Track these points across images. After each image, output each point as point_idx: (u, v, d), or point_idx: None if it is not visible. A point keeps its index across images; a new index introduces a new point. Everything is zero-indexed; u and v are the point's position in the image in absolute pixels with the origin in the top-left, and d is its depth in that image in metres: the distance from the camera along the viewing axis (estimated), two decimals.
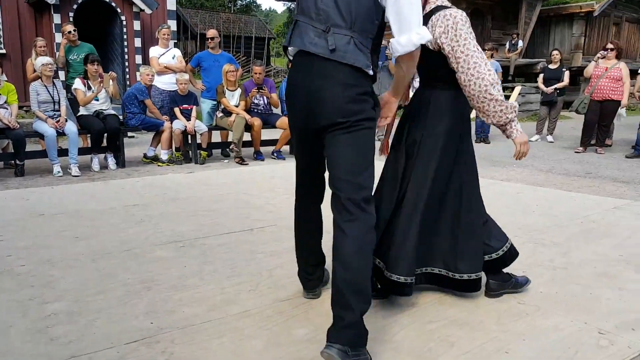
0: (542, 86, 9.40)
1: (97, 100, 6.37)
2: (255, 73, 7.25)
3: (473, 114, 11.31)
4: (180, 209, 4.40)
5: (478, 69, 2.23)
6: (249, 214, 4.24)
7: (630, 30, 19.65)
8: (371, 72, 2.02)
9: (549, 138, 9.47)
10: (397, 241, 2.38)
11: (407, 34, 1.93)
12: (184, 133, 6.77)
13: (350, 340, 1.90)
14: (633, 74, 8.51)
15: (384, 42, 9.27)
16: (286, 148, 7.67)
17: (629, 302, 2.58)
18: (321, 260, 2.59)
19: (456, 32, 2.22)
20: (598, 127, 8.03)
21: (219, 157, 7.38)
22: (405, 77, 2.15)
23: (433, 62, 2.32)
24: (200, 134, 6.90)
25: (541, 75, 9.55)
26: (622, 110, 8.05)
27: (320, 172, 2.30)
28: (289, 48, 2.15)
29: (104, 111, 6.39)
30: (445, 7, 2.29)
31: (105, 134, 6.37)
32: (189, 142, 6.88)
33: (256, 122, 6.93)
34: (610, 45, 7.94)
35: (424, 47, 2.08)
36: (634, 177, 6.04)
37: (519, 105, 14.49)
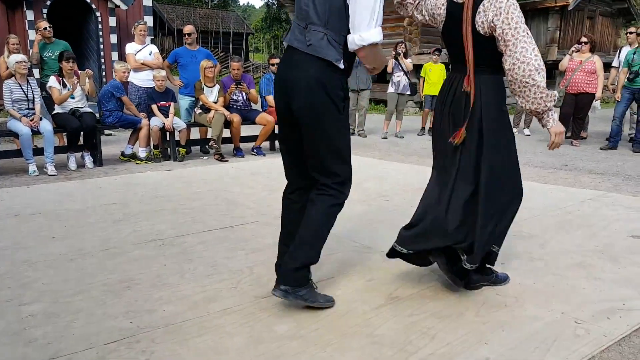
0: None
1: (73, 98, 6.26)
2: (234, 69, 7.20)
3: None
4: (159, 207, 4.36)
5: (524, 53, 2.25)
6: (229, 211, 4.22)
7: (603, 24, 19.99)
8: (341, 66, 2.20)
9: (526, 131, 9.60)
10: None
11: (354, 33, 2.12)
12: (162, 130, 6.70)
13: (290, 282, 2.32)
14: (607, 67, 8.66)
15: None
16: (266, 144, 7.65)
17: (605, 291, 2.64)
18: None
19: (508, 15, 2.24)
20: (573, 119, 8.16)
21: (198, 154, 7.32)
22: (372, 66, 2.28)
23: (481, 47, 2.33)
24: (179, 131, 6.84)
25: None
26: (596, 103, 8.19)
27: (302, 161, 2.42)
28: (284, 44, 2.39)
29: (80, 109, 6.29)
30: None
31: (82, 132, 6.27)
32: (167, 139, 6.82)
33: (235, 118, 6.89)
34: (584, 39, 8.06)
35: (473, 31, 2.28)
36: (609, 169, 6.16)
37: None
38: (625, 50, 8.04)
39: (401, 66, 9.04)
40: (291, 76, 2.25)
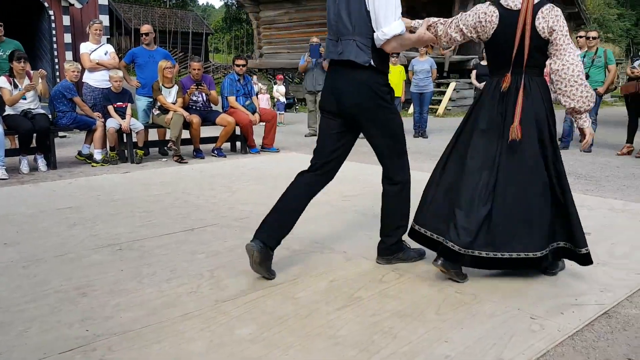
0: (475, 82, 9.73)
1: (25, 99, 6.04)
2: (194, 69, 7.10)
3: (411, 109, 11.54)
4: (116, 210, 4.26)
5: (573, 56, 2.60)
6: (189, 214, 4.15)
7: None
8: (373, 64, 2.62)
9: None
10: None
11: (377, 30, 2.54)
12: (119, 132, 6.54)
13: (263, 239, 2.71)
14: None
15: (317, 40, 9.30)
16: (227, 145, 7.58)
17: (559, 287, 2.72)
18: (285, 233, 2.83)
19: (560, 23, 2.57)
20: None
21: (156, 156, 7.18)
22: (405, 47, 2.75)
23: (535, 49, 2.60)
24: (136, 133, 6.69)
25: (474, 72, 9.88)
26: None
27: (340, 153, 2.92)
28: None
29: (32, 110, 6.07)
30: (547, 1, 2.60)
31: (35, 134, 6.06)
32: (125, 141, 6.66)
33: (195, 119, 6.79)
34: None
35: (523, 34, 2.55)
36: None
37: (455, 100, 14.98)
38: (576, 53, 8.34)
39: None
40: (337, 84, 2.71)
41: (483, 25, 2.68)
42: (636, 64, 7.06)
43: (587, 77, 7.50)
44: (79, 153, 6.61)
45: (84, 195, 4.79)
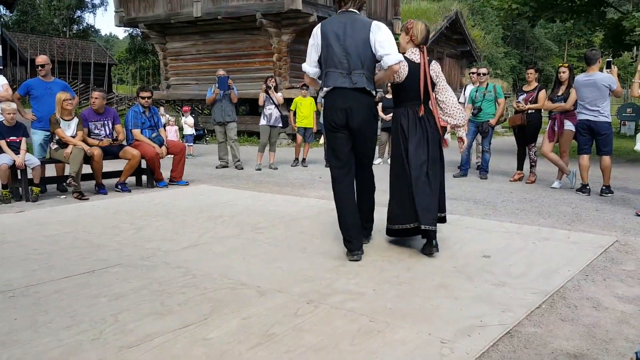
0: (381, 114, 10.13)
1: None
2: (95, 98, 6.81)
3: (322, 140, 11.72)
4: (8, 253, 3.92)
5: (451, 92, 4.06)
6: (90, 254, 3.91)
7: (450, 64, 22.18)
8: (374, 92, 3.80)
9: (389, 161, 10.20)
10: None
11: (385, 58, 3.66)
12: (12, 168, 6.07)
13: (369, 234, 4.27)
14: None
15: (223, 72, 9.31)
16: (132, 179, 7.27)
17: (464, 309, 2.84)
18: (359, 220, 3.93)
19: (440, 73, 4.02)
20: None
21: (54, 193, 6.74)
22: (383, 80, 3.92)
23: (430, 88, 3.91)
24: (32, 169, 6.25)
25: (380, 104, 10.30)
26: (447, 135, 8.97)
27: (351, 154, 3.87)
28: (324, 88, 3.79)
29: None
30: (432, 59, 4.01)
31: None
32: (19, 177, 6.19)
33: (96, 151, 6.47)
34: None
35: (417, 78, 3.88)
36: (461, 194, 6.74)
37: None
38: (469, 88, 8.96)
39: (272, 99, 9.20)
40: (349, 105, 3.69)
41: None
42: (520, 98, 7.70)
43: (480, 110, 8.07)
44: None
45: None
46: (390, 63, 3.62)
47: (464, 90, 9.33)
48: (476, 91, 8.20)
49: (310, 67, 3.87)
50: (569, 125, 6.96)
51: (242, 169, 9.28)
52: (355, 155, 3.86)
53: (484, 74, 8.23)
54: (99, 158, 6.52)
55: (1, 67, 10.97)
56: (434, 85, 3.93)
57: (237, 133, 9.69)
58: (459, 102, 9.22)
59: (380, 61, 3.71)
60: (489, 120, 8.03)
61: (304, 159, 10.01)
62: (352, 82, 3.65)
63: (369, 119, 3.78)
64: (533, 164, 7.79)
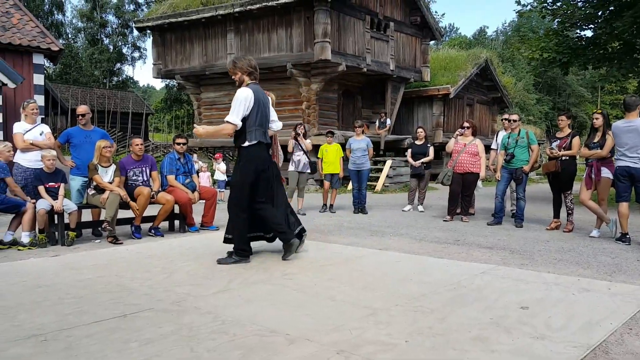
0: (410, 160, 10.14)
1: None
2: (136, 145, 7.04)
3: (350, 186, 11.74)
4: (42, 297, 3.97)
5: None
6: (122, 298, 3.93)
7: (481, 110, 22.17)
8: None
9: (420, 208, 10.12)
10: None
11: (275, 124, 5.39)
12: (50, 213, 6.24)
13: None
14: (487, 148, 9.51)
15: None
16: (164, 224, 7.37)
17: None
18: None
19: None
20: (461, 197, 8.75)
21: (89, 237, 6.87)
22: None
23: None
24: (69, 213, 6.41)
25: (409, 150, 10.32)
26: (479, 182, 8.88)
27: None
28: (252, 140, 5.01)
29: None
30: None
31: None
32: (56, 222, 6.35)
33: (145, 190, 6.62)
34: (466, 124, 8.84)
35: None
36: (496, 243, 6.59)
37: (392, 177, 15.45)
38: (502, 134, 8.90)
39: (301, 146, 9.32)
40: (268, 157, 5.31)
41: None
42: (554, 144, 7.60)
43: (513, 156, 7.98)
44: (1, 242, 6.14)
45: (7, 282, 4.45)
46: (278, 128, 5.51)
47: (496, 137, 9.28)
48: (508, 137, 8.14)
49: (239, 120, 4.94)
50: (606, 173, 6.80)
51: None
52: (275, 191, 5.37)
53: (514, 121, 8.19)
54: (148, 194, 6.69)
55: (44, 117, 11.46)
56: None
57: None
58: (492, 149, 9.32)
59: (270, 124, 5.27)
60: (522, 167, 7.93)
61: (331, 205, 10.01)
62: (267, 139, 5.14)
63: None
64: (570, 212, 7.60)
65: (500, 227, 7.97)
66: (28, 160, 6.58)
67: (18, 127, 6.70)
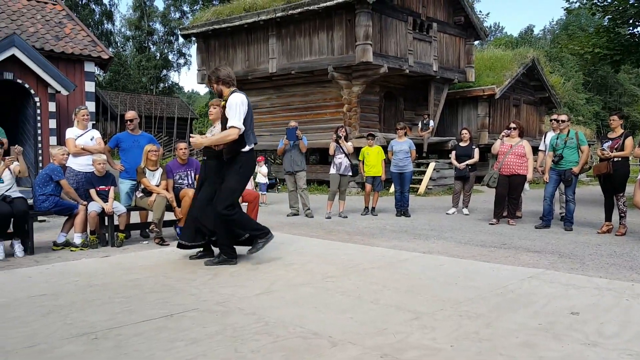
0: (454, 162, 9.97)
1: (2, 182, 5.96)
2: (180, 149, 7.20)
3: (392, 189, 11.66)
4: (93, 296, 4.11)
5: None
6: (168, 299, 4.02)
7: (528, 111, 21.59)
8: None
9: (465, 211, 9.93)
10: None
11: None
12: (101, 215, 6.46)
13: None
14: (535, 150, 9.25)
15: (295, 123, 9.90)
16: None
17: None
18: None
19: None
20: (508, 199, 8.53)
21: (137, 239, 7.06)
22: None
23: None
24: (118, 215, 6.62)
25: (453, 152, 10.15)
26: (526, 185, 8.65)
27: None
28: (251, 145, 5.12)
29: (10, 195, 5.99)
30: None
31: (12, 219, 5.93)
32: (106, 224, 6.56)
33: (190, 192, 6.79)
34: (513, 125, 8.63)
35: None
36: (545, 247, 6.39)
37: (435, 180, 15.24)
38: (550, 135, 8.64)
39: (342, 149, 9.31)
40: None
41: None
42: (605, 145, 7.32)
43: (562, 157, 7.73)
44: (55, 243, 6.41)
45: (60, 282, 4.63)
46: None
47: (544, 138, 9.02)
48: (557, 138, 7.90)
49: (241, 123, 4.96)
50: None
51: (312, 217, 9.35)
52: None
53: (563, 121, 7.94)
54: (193, 194, 6.80)
55: (94, 122, 11.87)
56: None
57: (306, 182, 9.85)
58: (539, 150, 9.05)
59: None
60: (571, 169, 7.67)
61: (373, 208, 9.95)
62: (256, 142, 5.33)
63: None
64: (622, 214, 7.30)
65: (548, 231, 7.74)
66: (79, 164, 6.84)
67: (70, 133, 6.97)
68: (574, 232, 7.60)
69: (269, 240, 5.30)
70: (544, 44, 48.66)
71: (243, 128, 4.99)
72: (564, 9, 13.45)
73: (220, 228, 5.26)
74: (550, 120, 9.13)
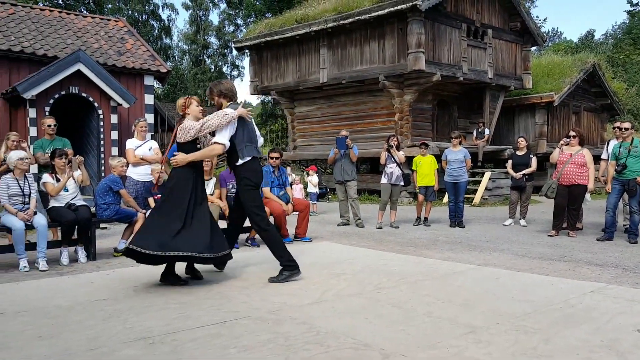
0: (511, 172, 9.69)
1: (67, 190, 6.25)
2: (271, 158, 7.49)
3: (445, 198, 11.46)
4: (151, 302, 4.24)
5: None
6: (222, 306, 4.10)
7: (589, 118, 20.75)
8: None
9: (522, 222, 9.62)
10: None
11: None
12: None
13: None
14: (596, 159, 8.86)
15: (345, 133, 9.88)
16: None
17: None
18: None
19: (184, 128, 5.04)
20: (568, 210, 8.21)
21: None
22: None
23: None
24: None
25: (510, 161, 9.87)
26: (587, 195, 8.29)
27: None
28: (247, 157, 5.02)
29: (75, 203, 6.28)
30: None
31: (76, 226, 6.22)
32: None
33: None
34: (572, 133, 8.30)
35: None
36: (607, 260, 6.10)
37: (491, 190, 14.86)
38: (613, 143, 8.26)
39: (394, 158, 9.24)
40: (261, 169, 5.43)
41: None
42: None
43: (625, 167, 7.37)
44: (116, 250, 6.67)
45: (120, 287, 4.81)
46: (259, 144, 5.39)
47: (607, 146, 8.63)
48: (620, 147, 7.55)
49: (226, 140, 4.92)
50: None
51: (362, 227, 9.31)
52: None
53: (626, 129, 7.59)
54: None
55: (153, 133, 12.32)
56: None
57: (357, 191, 9.81)
58: (601, 159, 8.67)
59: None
60: (636, 178, 7.30)
61: (426, 218, 9.79)
62: (260, 154, 5.18)
63: None
64: None
65: (611, 243, 7.38)
66: (138, 173, 7.10)
67: (130, 144, 7.26)
68: (639, 244, 7.21)
69: (295, 275, 4.99)
70: (606, 49, 46.75)
71: (227, 144, 4.92)
72: (627, 12, 12.90)
73: (271, 245, 5.09)
74: (613, 128, 8.72)
